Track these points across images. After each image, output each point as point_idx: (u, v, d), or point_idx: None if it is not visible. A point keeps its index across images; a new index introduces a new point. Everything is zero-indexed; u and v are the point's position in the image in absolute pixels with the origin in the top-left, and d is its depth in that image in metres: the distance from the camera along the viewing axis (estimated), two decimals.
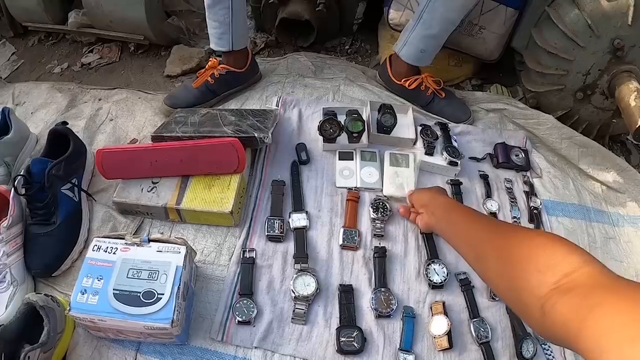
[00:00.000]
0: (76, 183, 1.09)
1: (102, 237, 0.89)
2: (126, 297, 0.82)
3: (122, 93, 1.43)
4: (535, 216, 1.20)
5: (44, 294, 0.88)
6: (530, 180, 1.28)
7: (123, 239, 0.89)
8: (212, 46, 1.33)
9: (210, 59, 1.38)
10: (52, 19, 1.67)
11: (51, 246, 1.00)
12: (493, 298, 1.05)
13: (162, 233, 1.08)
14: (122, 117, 1.35)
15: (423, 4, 1.21)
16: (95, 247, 0.88)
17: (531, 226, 1.19)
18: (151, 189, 1.09)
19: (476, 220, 0.75)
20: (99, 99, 1.41)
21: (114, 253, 0.87)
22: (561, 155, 1.35)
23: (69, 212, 1.04)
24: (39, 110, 1.39)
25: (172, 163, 1.07)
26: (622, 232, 1.25)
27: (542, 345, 1.02)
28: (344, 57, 1.63)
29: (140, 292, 0.83)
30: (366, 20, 1.63)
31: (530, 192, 1.25)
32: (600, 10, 1.21)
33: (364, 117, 1.25)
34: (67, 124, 1.16)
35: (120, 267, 0.85)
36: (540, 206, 1.22)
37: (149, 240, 0.89)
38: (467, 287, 1.05)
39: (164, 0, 1.59)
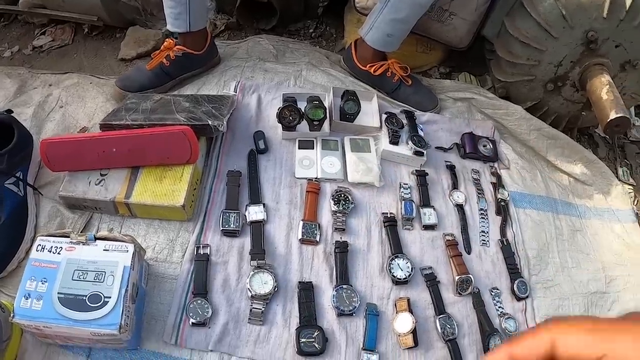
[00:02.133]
0: (21, 177, 1.00)
1: (47, 236, 0.82)
2: (72, 302, 0.76)
3: (73, 78, 1.33)
4: (502, 208, 1.17)
5: None
6: (498, 171, 1.25)
7: (68, 237, 0.82)
8: (169, 27, 1.24)
9: (166, 40, 1.29)
10: None
11: None
12: (459, 293, 1.01)
13: (111, 229, 1.01)
14: (72, 104, 1.26)
15: None
16: (39, 247, 0.81)
17: (498, 218, 1.16)
18: (99, 182, 1.01)
19: None
20: (50, 85, 1.32)
21: (58, 253, 0.80)
22: (529, 147, 1.33)
23: (14, 208, 0.96)
24: None
25: (121, 154, 1.00)
26: (589, 225, 1.23)
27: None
28: (307, 41, 1.56)
29: (86, 296, 0.77)
30: (332, 3, 1.56)
31: (498, 184, 1.21)
32: (576, 1, 1.17)
33: (326, 104, 1.19)
34: (12, 112, 1.06)
35: (65, 269, 0.79)
36: (508, 198, 1.19)
37: (96, 239, 0.82)
38: (432, 282, 1.01)
39: None
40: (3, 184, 0.96)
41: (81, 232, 0.99)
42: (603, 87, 1.19)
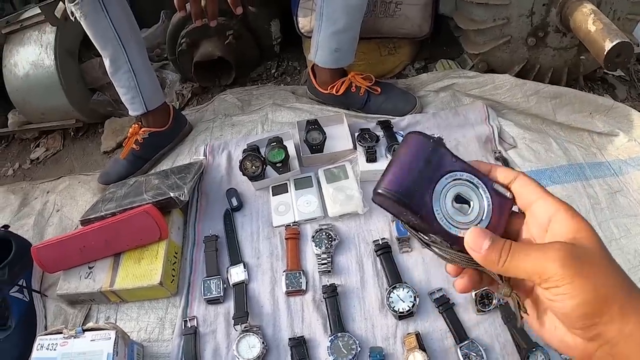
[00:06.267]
0: (24, 284, 1.06)
1: (45, 335, 0.88)
2: None
3: (65, 181, 1.40)
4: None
5: None
6: (503, 154, 1.09)
7: (62, 333, 0.88)
8: (130, 112, 1.26)
9: (133, 125, 1.29)
10: None
11: (9, 351, 0.98)
12: (482, 310, 0.86)
13: (108, 317, 1.04)
14: (66, 206, 1.32)
15: None
16: (39, 346, 0.87)
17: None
18: (88, 275, 1.03)
19: None
20: (47, 192, 1.39)
21: (54, 349, 0.86)
22: (533, 115, 1.17)
23: (22, 314, 1.02)
24: None
25: (99, 245, 1.02)
26: (629, 180, 1.05)
27: (561, 356, 0.81)
28: (271, 82, 1.50)
29: None
30: (288, 37, 1.49)
31: None
32: None
33: (295, 140, 1.11)
34: (8, 227, 1.13)
35: None
36: None
37: (84, 330, 0.87)
38: (445, 306, 0.87)
39: (85, 79, 1.53)
40: (8, 293, 1.01)
41: (82, 324, 1.03)
42: (587, 19, 1.01)
